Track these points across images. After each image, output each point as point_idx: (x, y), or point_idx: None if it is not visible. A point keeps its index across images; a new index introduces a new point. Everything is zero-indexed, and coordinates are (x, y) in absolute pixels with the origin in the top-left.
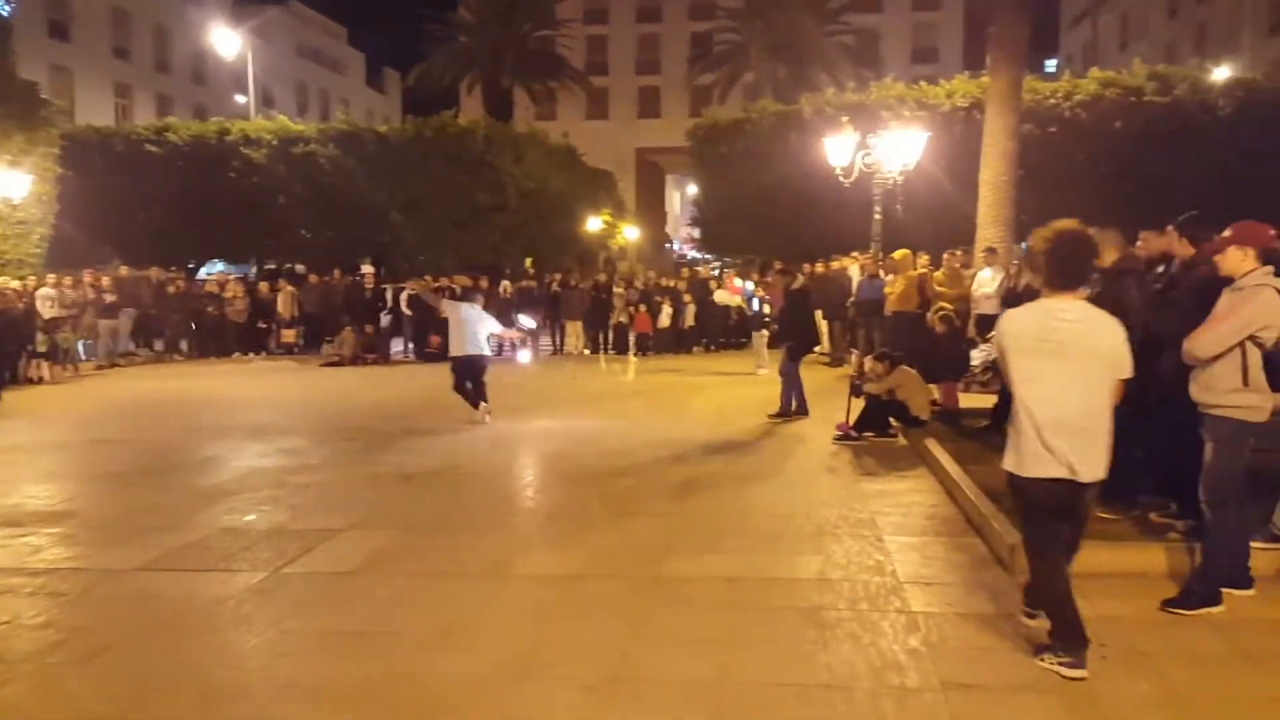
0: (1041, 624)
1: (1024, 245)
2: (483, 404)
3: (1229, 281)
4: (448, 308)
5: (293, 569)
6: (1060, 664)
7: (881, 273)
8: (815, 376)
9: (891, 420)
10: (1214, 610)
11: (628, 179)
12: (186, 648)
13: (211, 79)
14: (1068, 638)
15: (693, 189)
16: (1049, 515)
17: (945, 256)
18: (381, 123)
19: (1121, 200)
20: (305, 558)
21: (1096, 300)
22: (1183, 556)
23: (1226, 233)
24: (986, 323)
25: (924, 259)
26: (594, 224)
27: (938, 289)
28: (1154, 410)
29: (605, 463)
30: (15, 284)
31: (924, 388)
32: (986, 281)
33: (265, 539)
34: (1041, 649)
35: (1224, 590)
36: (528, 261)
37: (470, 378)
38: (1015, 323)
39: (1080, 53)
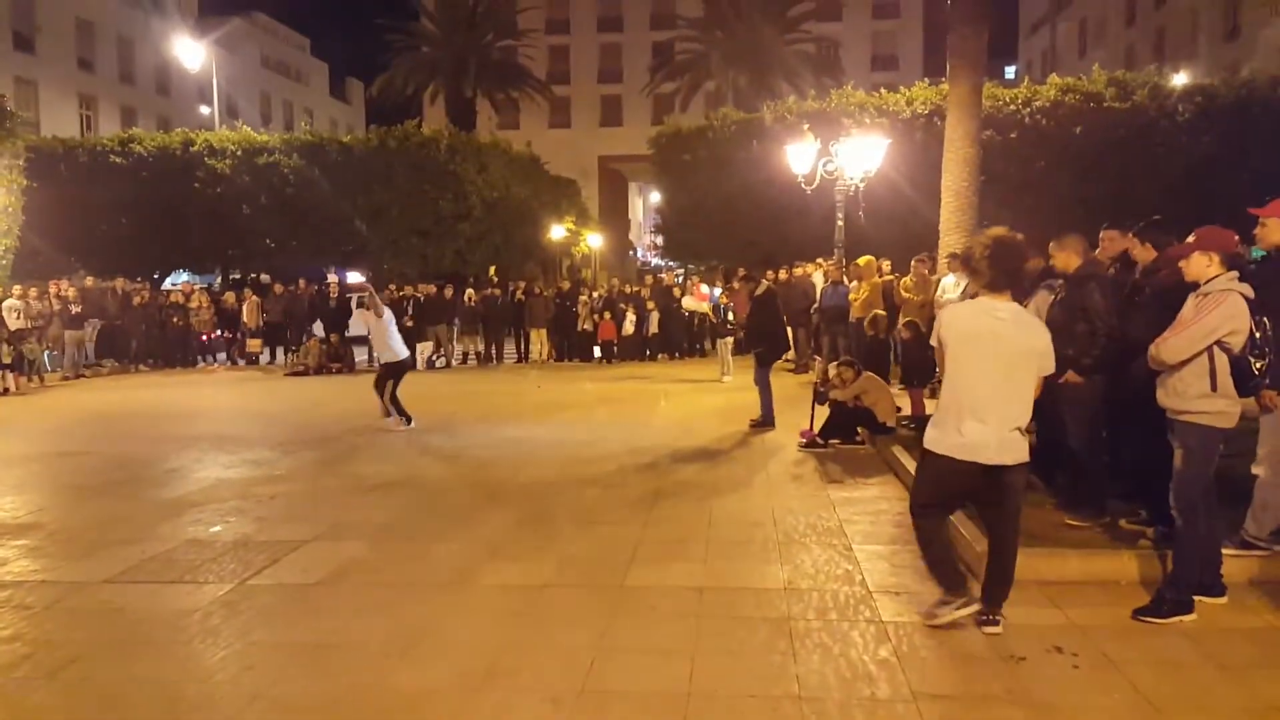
0: (995, 630)
1: None
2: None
3: (1193, 286)
4: (365, 316)
5: (259, 580)
6: (955, 605)
7: (845, 279)
8: (780, 383)
9: (858, 428)
10: (1186, 618)
11: (591, 187)
12: (154, 660)
13: (176, 90)
14: (955, 586)
15: (656, 197)
16: (949, 490)
17: (914, 263)
18: (345, 132)
19: (1082, 205)
20: (271, 569)
21: (1062, 305)
22: (1154, 563)
23: (1190, 238)
24: None
25: (885, 265)
26: (558, 232)
27: (905, 295)
28: (1121, 416)
29: (570, 472)
30: None
31: (889, 394)
32: (950, 288)
33: (231, 550)
34: (940, 604)
35: (1196, 598)
36: (491, 270)
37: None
38: (957, 317)
39: (1039, 59)
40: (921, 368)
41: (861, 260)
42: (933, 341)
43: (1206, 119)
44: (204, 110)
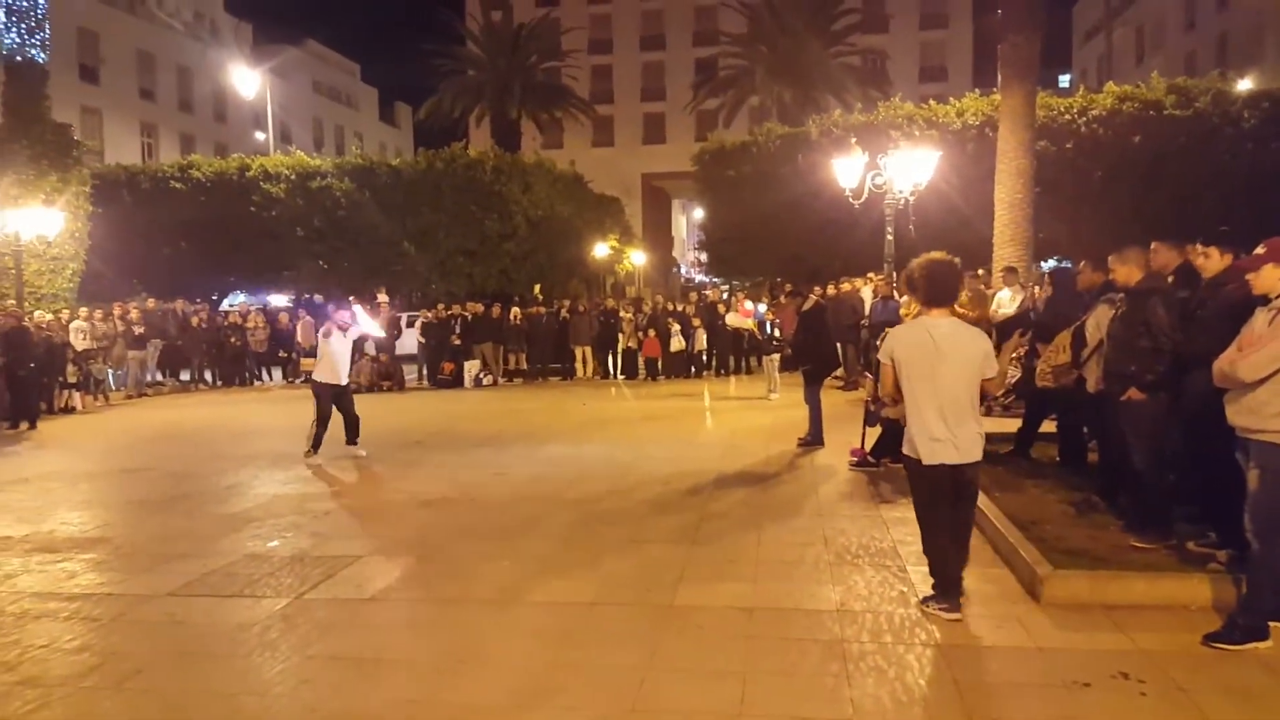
0: (936, 613)
1: (1044, 265)
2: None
3: (1261, 300)
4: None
5: (315, 595)
6: (940, 609)
7: (896, 294)
8: (829, 401)
9: None
10: (1261, 645)
11: (634, 204)
12: (214, 673)
13: (232, 117)
14: (947, 590)
15: (699, 213)
16: (937, 494)
17: (967, 278)
18: (394, 155)
19: (1142, 217)
20: (327, 584)
21: (1123, 320)
22: (1225, 587)
23: (1260, 249)
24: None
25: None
26: (601, 250)
27: (960, 311)
28: (1187, 433)
29: (617, 489)
30: (49, 317)
31: None
32: (1005, 302)
33: (288, 565)
34: (926, 599)
35: (1271, 623)
36: (536, 288)
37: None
38: (899, 339)
39: (1095, 67)
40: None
41: None
42: (883, 359)
43: (1274, 125)
44: (259, 136)
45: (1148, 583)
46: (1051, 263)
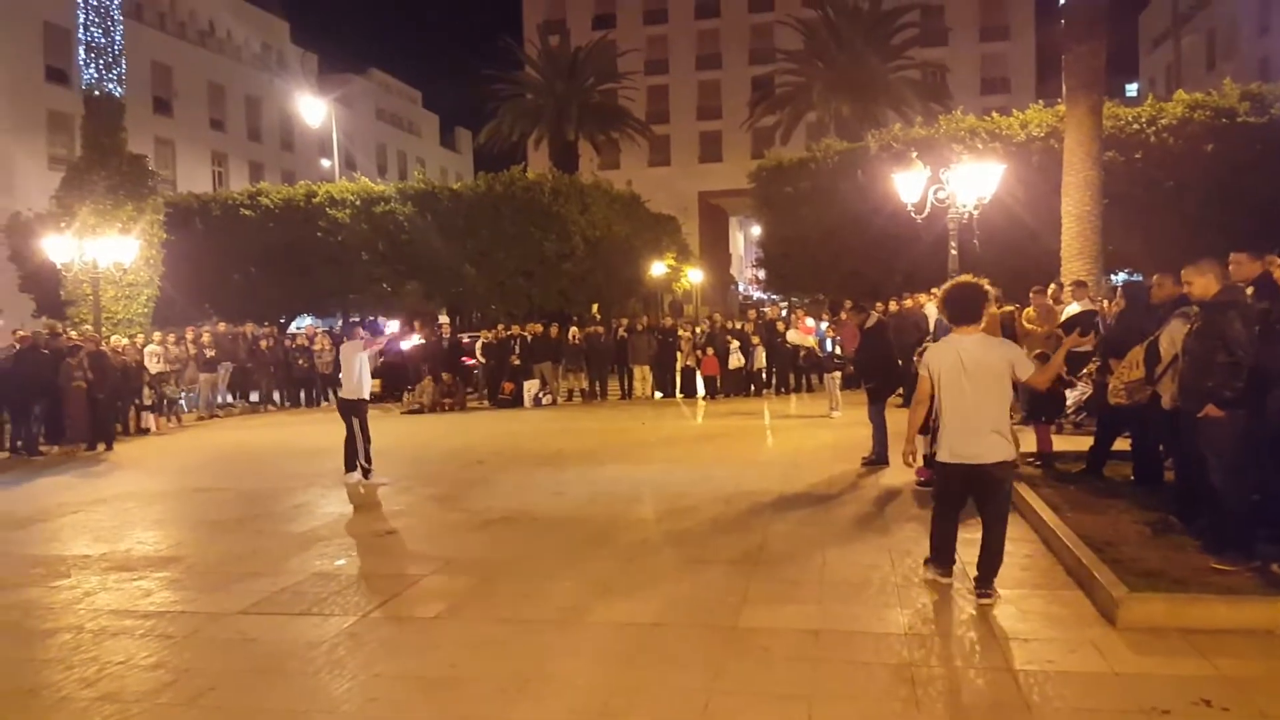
0: (989, 601)
1: (1114, 278)
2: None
3: None
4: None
5: (381, 614)
6: (936, 573)
7: None
8: (893, 419)
9: None
10: None
11: (691, 223)
12: (285, 690)
13: (299, 145)
14: (942, 560)
15: (757, 230)
16: (952, 489)
17: (1032, 293)
18: (455, 179)
19: (1215, 227)
20: (392, 603)
21: (1198, 334)
22: None
23: None
24: (1076, 360)
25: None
26: (658, 268)
27: (1028, 326)
28: (1269, 451)
29: (678, 509)
30: (125, 341)
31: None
32: None
33: (355, 584)
34: (927, 561)
35: None
36: (594, 307)
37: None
38: (934, 355)
39: (1163, 75)
40: (1049, 402)
41: None
42: (920, 372)
43: None
44: (325, 163)
45: (1229, 606)
46: (1122, 276)
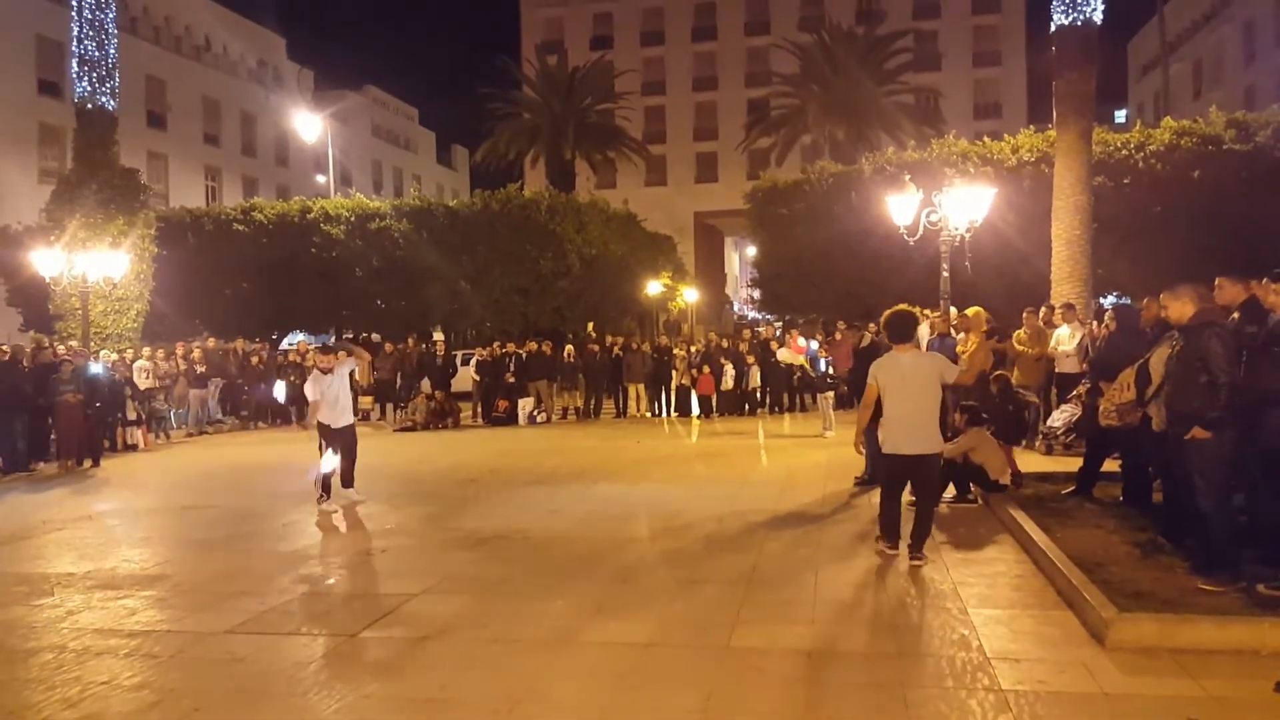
0: (920, 562)
1: (1103, 301)
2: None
3: None
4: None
5: (371, 633)
6: (886, 547)
7: (952, 331)
8: None
9: (970, 485)
10: None
11: (687, 243)
12: (272, 711)
13: (294, 160)
14: (890, 535)
15: (752, 250)
16: (895, 475)
17: (1025, 314)
18: (451, 197)
19: (1201, 252)
20: (382, 622)
21: (1179, 357)
22: None
23: None
24: (1067, 382)
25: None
26: (654, 287)
27: (1019, 348)
28: (1257, 472)
29: (671, 528)
30: (114, 356)
31: (1000, 450)
32: (1065, 339)
33: (344, 603)
34: (877, 538)
35: None
36: (590, 326)
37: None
38: (882, 367)
39: (1151, 102)
40: (1012, 425)
41: (970, 311)
42: (870, 381)
43: None
44: (320, 179)
45: (1217, 626)
46: (1111, 299)
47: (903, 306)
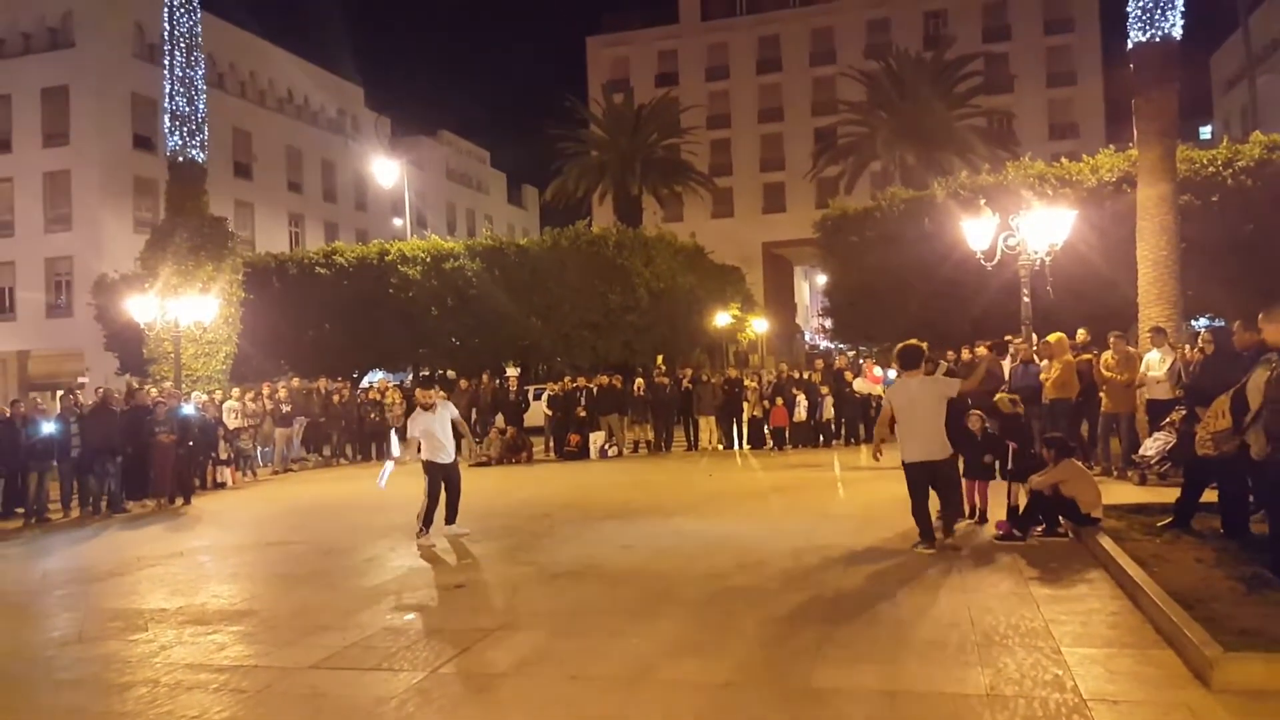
0: (953, 541)
1: (1195, 324)
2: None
3: None
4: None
5: (449, 669)
6: (923, 547)
7: (1036, 358)
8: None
9: (1060, 519)
10: None
11: (755, 273)
12: None
13: (372, 205)
14: (926, 536)
15: (822, 279)
16: (919, 480)
17: (1112, 339)
18: (521, 235)
19: None
20: (461, 658)
21: (1274, 383)
22: None
23: None
24: (1158, 409)
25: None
26: (723, 319)
27: (1106, 374)
28: None
29: (747, 564)
30: (204, 398)
31: (1092, 482)
32: (1155, 364)
33: (424, 639)
34: (915, 544)
35: None
36: (659, 358)
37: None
38: (896, 391)
39: (1238, 116)
40: (981, 467)
41: (1052, 337)
42: (885, 404)
43: None
44: (396, 222)
45: (1268, 666)
46: (1204, 322)
47: (912, 341)
